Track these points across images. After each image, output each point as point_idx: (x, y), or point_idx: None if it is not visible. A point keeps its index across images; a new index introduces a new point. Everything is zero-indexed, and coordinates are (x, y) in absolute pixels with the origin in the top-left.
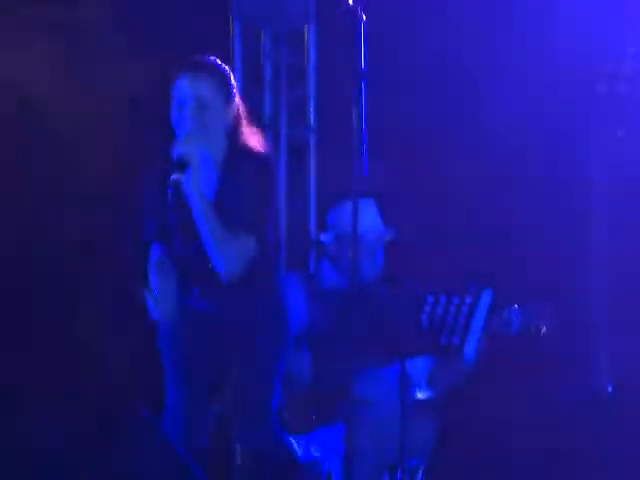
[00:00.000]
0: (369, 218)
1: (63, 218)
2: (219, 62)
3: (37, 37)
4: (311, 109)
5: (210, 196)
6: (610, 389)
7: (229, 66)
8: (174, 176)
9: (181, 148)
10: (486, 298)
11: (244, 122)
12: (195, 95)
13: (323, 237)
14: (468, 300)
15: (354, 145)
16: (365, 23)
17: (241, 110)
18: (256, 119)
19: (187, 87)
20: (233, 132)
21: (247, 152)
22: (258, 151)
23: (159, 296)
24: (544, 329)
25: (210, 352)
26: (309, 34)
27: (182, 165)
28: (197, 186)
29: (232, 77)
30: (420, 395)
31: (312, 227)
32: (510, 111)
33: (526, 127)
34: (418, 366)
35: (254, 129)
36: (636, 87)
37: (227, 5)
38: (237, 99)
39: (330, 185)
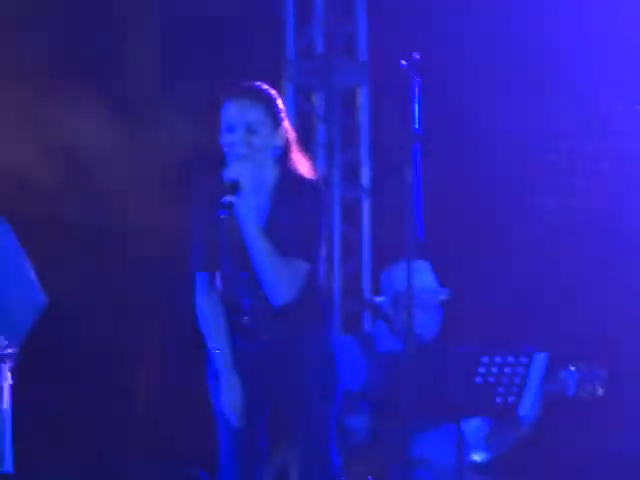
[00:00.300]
0: (425, 279)
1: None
2: (266, 87)
3: (87, 106)
4: (364, 170)
5: (262, 221)
6: None
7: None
8: (227, 198)
9: (233, 170)
10: (541, 359)
11: (294, 148)
12: (244, 119)
13: (378, 298)
14: (523, 360)
15: (409, 207)
16: (419, 83)
17: (291, 136)
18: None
19: (235, 111)
20: (283, 158)
21: (299, 179)
22: (310, 178)
23: (210, 334)
24: (601, 391)
25: (260, 399)
26: (362, 95)
27: (234, 187)
28: (250, 209)
29: (280, 102)
30: (476, 457)
31: (366, 289)
32: (570, 181)
33: (590, 200)
34: (474, 427)
35: (304, 156)
36: None
37: (280, 67)
38: (286, 124)
39: (384, 246)
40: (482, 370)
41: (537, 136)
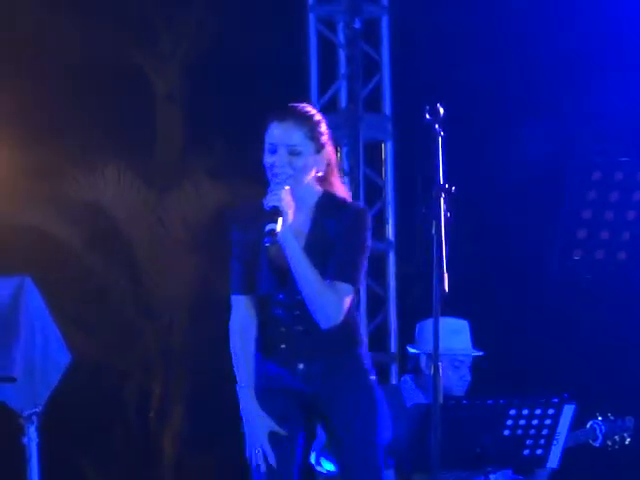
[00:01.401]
0: (461, 340)
1: None
2: (311, 109)
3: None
4: (390, 223)
5: (302, 240)
6: None
7: None
8: (270, 226)
9: (272, 197)
10: (569, 410)
11: (335, 173)
12: (286, 142)
13: (411, 349)
14: (551, 412)
15: (434, 261)
16: (443, 137)
17: (333, 160)
18: None
19: (279, 133)
20: (325, 181)
21: (341, 199)
22: (355, 202)
23: (239, 361)
24: (628, 440)
25: (291, 432)
26: (387, 149)
27: (275, 214)
28: (292, 235)
29: (324, 126)
30: None
31: (393, 343)
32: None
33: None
34: None
35: (342, 182)
36: None
37: None
38: (329, 148)
39: (411, 300)
40: (510, 422)
41: (563, 186)
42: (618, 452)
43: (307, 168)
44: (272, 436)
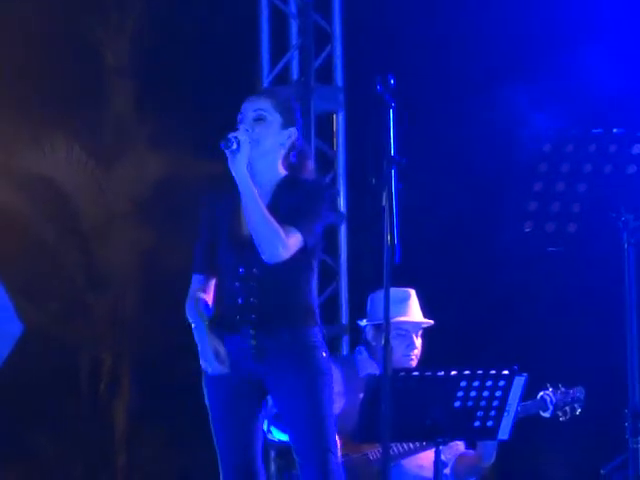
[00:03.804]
0: (408, 309)
1: None
2: (285, 93)
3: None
4: (341, 195)
5: None
6: None
7: None
8: (231, 135)
9: (236, 132)
10: (519, 382)
11: (301, 157)
12: (254, 108)
13: (362, 322)
14: (501, 384)
15: (385, 232)
16: (394, 108)
17: (302, 147)
18: None
19: (248, 104)
20: (291, 163)
21: (304, 180)
22: (317, 179)
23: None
24: (579, 411)
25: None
26: (339, 121)
27: (235, 142)
28: (244, 163)
29: (295, 110)
30: None
31: (344, 314)
32: (546, 204)
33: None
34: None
35: (311, 169)
36: None
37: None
38: (296, 135)
39: (362, 272)
40: (460, 394)
41: (513, 159)
42: (568, 423)
43: (268, 138)
44: (230, 414)
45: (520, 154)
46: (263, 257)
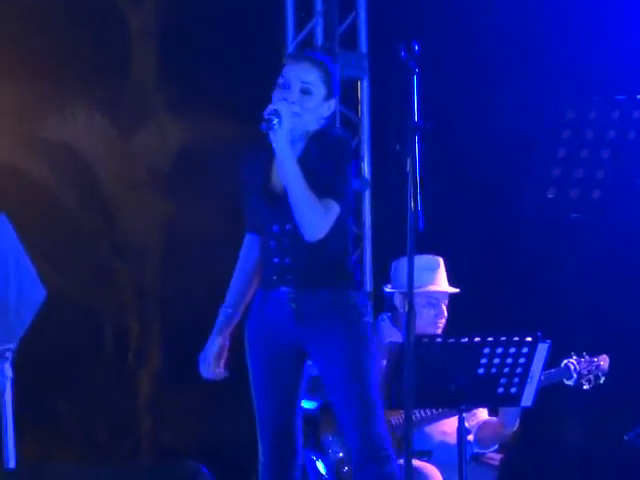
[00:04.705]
0: (435, 278)
1: None
2: (327, 60)
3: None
4: (366, 162)
5: None
6: None
7: None
8: (269, 112)
9: (275, 105)
10: (543, 349)
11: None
12: (301, 78)
13: (387, 288)
14: (525, 351)
15: (409, 199)
16: (418, 75)
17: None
18: None
19: (294, 70)
20: (327, 128)
21: (331, 132)
22: (339, 131)
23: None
24: (602, 379)
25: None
26: (363, 87)
27: (275, 115)
28: (286, 138)
29: (337, 80)
30: (477, 448)
31: (369, 281)
32: (569, 171)
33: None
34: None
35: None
36: None
37: (280, 64)
38: (334, 105)
39: (386, 238)
40: (484, 361)
41: (538, 126)
42: (592, 391)
43: (313, 111)
44: (269, 375)
45: (544, 121)
46: (305, 236)
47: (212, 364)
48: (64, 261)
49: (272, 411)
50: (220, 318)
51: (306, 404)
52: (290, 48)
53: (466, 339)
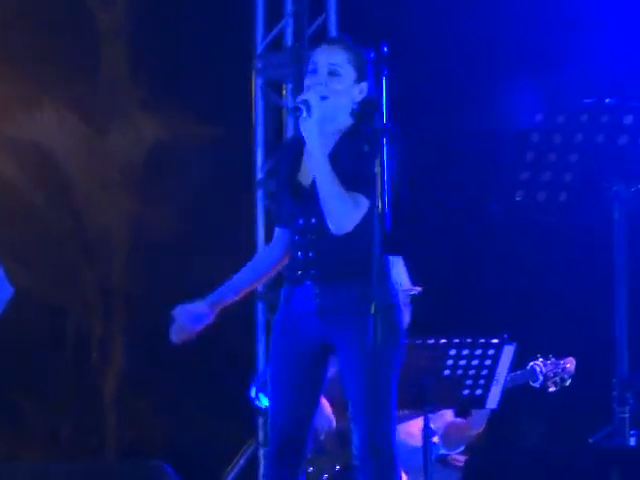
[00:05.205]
0: (396, 276)
1: None
2: (359, 46)
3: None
4: None
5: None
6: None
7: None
8: (299, 102)
9: (305, 95)
10: (509, 351)
11: (366, 107)
12: (328, 60)
13: None
14: (491, 352)
15: (376, 200)
16: (387, 77)
17: (369, 97)
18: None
19: (322, 52)
20: (359, 113)
21: (366, 128)
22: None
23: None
24: (568, 382)
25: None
26: None
27: (305, 105)
28: (316, 131)
29: (369, 63)
30: (443, 450)
31: None
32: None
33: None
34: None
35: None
36: None
37: (249, 64)
38: (367, 89)
39: None
40: (450, 363)
41: (507, 128)
42: (558, 394)
43: (342, 94)
44: (288, 372)
45: (513, 124)
46: (331, 229)
47: (183, 325)
48: (32, 260)
49: (285, 413)
50: (215, 291)
51: (266, 401)
52: (259, 49)
53: (432, 340)
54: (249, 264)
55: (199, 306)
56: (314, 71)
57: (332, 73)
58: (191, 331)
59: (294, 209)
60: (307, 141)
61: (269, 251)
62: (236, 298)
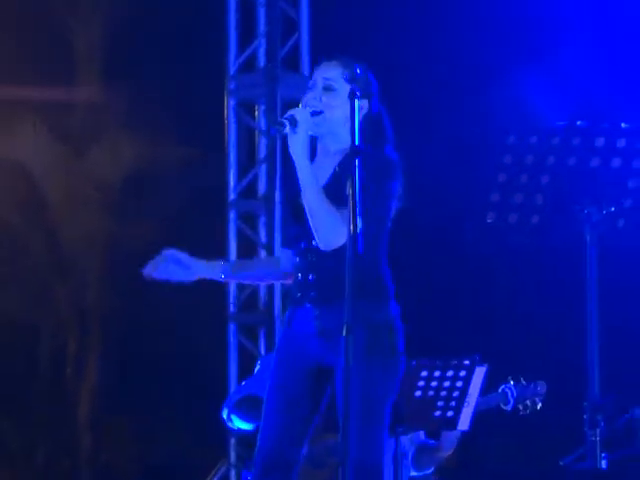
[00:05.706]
0: None
1: None
2: (360, 64)
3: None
4: None
5: (323, 183)
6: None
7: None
8: (285, 117)
9: (292, 111)
10: (480, 372)
11: (372, 128)
12: (323, 75)
13: None
14: (462, 374)
15: (348, 222)
16: (359, 98)
17: (375, 118)
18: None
19: (319, 70)
20: (358, 131)
21: (371, 151)
22: (385, 153)
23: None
24: (539, 405)
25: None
26: None
27: (290, 121)
28: (303, 146)
29: (369, 82)
30: (414, 472)
31: None
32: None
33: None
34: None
35: (384, 143)
36: None
37: (222, 84)
38: (367, 107)
39: None
40: (421, 384)
41: (479, 150)
42: (529, 416)
43: (335, 108)
44: (284, 391)
45: (485, 146)
46: (319, 244)
47: (165, 265)
48: (6, 278)
49: (275, 436)
50: (218, 261)
51: (239, 424)
52: (232, 69)
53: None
54: (265, 257)
55: (192, 260)
56: (311, 87)
57: (327, 88)
58: (167, 274)
59: (297, 231)
60: (292, 156)
61: (270, 262)
62: (227, 279)
